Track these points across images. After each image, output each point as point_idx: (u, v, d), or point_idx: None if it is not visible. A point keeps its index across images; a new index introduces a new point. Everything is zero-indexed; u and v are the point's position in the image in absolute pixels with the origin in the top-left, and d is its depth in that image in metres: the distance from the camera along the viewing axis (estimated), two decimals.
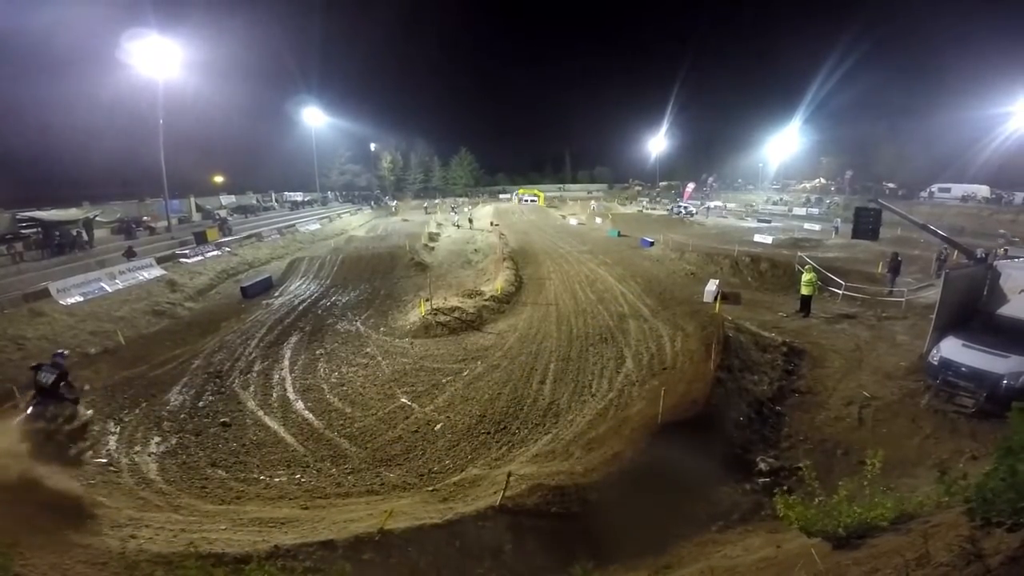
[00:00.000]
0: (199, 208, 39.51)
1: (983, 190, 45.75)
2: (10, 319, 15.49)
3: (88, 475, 8.34)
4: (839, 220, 36.36)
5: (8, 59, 34.36)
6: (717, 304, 16.54)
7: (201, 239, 30.19)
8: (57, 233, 23.93)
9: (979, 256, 15.42)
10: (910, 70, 54.90)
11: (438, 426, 10.35)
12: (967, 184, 46.89)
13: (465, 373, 12.85)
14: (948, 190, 48.00)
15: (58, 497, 6.44)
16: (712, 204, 56.62)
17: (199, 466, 9.00)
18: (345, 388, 12.26)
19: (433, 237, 38.22)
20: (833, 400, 10.41)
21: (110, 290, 19.98)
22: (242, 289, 22.01)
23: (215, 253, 28.85)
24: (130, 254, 23.92)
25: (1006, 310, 10.62)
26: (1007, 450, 3.72)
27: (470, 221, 46.45)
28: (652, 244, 30.22)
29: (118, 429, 10.19)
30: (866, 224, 18.43)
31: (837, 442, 8.89)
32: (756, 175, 72.63)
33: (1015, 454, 3.55)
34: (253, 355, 14.43)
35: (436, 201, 69.46)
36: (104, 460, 8.96)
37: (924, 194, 49.48)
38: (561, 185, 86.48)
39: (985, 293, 11.34)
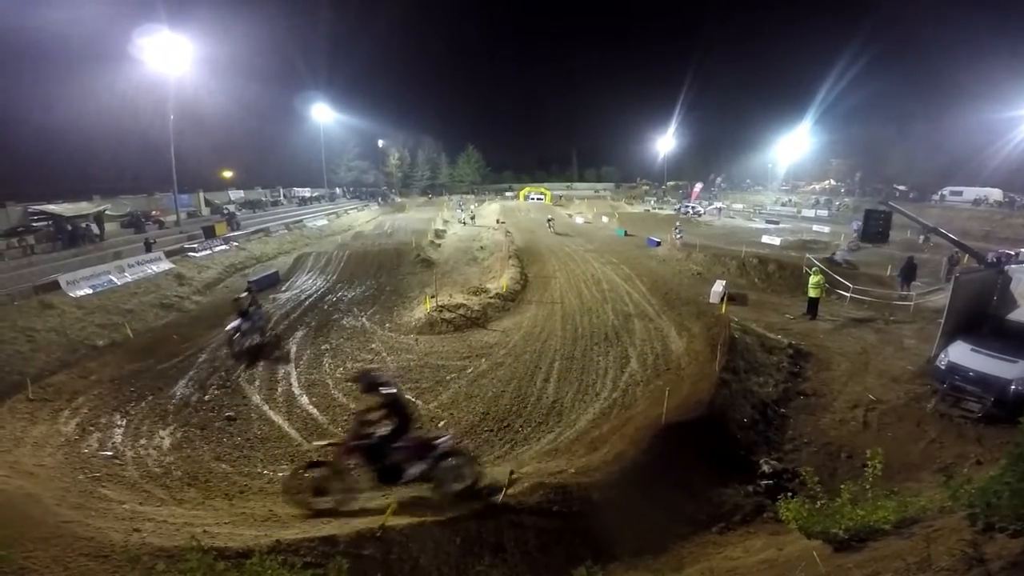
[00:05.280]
0: (208, 203, 39.83)
1: (995, 193, 45.27)
2: (20, 311, 15.66)
3: (94, 468, 8.42)
4: (856, 223, 34.76)
5: (19, 55, 34.72)
6: (723, 305, 16.48)
7: (209, 233, 30.48)
8: (68, 227, 24.19)
9: (990, 260, 15.26)
10: (922, 72, 54.48)
11: (441, 423, 10.37)
12: (979, 187, 46.36)
13: (469, 370, 12.85)
14: (960, 193, 47.52)
15: None
16: (718, 205, 56.24)
17: (203, 460, 9.05)
18: (350, 383, 12.30)
19: (439, 234, 38.27)
20: (838, 403, 10.36)
21: (119, 283, 20.15)
22: (249, 283, 22.07)
23: (223, 247, 29.04)
24: (149, 246, 24.30)
25: (1016, 315, 10.52)
26: (1019, 456, 3.69)
27: (472, 218, 46.51)
28: (659, 244, 30.13)
29: (124, 422, 10.27)
30: (876, 227, 18.29)
31: (841, 445, 8.85)
32: (765, 176, 72.20)
33: None
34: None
35: (454, 197, 69.64)
36: (110, 453, 9.04)
37: (935, 197, 48.99)
38: (568, 184, 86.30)
39: (995, 298, 11.24)
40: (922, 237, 28.18)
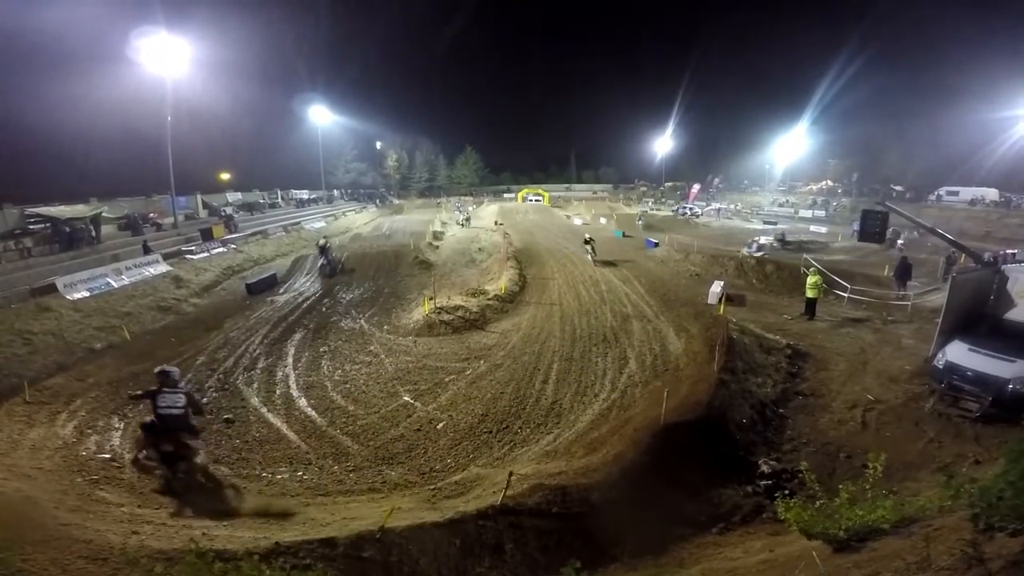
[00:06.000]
0: (205, 205, 39.67)
1: (992, 193, 45.33)
2: (17, 314, 15.60)
3: (92, 470, 8.40)
4: (856, 224, 33.07)
5: (16, 56, 34.63)
6: (721, 306, 16.49)
7: (207, 236, 30.42)
8: (66, 229, 24.11)
9: (987, 260, 15.29)
10: (918, 72, 54.45)
11: (440, 425, 10.36)
12: (975, 187, 46.47)
13: (468, 372, 12.85)
14: (956, 193, 47.54)
15: None
16: (717, 205, 56.27)
17: None
18: (348, 386, 12.29)
19: (438, 236, 38.24)
20: (836, 403, 10.37)
21: (116, 286, 20.09)
22: (247, 286, 22.07)
23: (221, 250, 28.97)
24: (146, 249, 24.25)
25: (1013, 315, 10.55)
26: (1020, 452, 3.69)
27: (468, 220, 46.32)
28: (656, 245, 30.16)
29: (122, 425, 10.25)
30: (873, 227, 18.33)
31: (840, 445, 8.86)
32: (762, 176, 72.29)
33: None
34: (257, 352, 14.49)
35: (452, 199, 69.63)
36: (108, 455, 9.01)
37: (932, 197, 49.06)
38: (566, 185, 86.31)
39: (992, 297, 11.26)
40: (896, 238, 28.05)
